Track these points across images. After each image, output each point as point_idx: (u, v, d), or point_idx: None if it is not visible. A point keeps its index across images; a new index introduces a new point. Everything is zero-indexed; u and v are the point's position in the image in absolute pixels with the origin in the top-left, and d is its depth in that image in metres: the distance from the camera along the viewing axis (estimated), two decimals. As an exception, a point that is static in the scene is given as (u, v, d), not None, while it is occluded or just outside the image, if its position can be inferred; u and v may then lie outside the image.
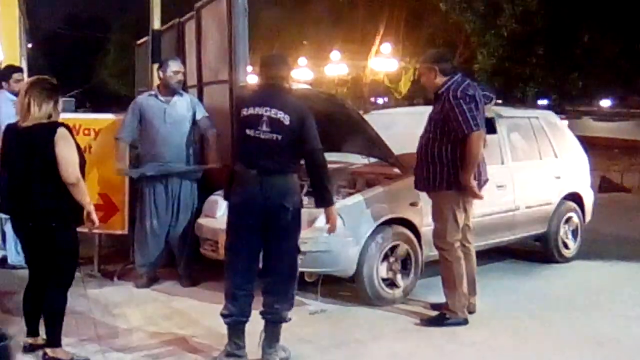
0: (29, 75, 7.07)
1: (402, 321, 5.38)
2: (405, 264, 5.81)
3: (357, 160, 6.49)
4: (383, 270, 5.69)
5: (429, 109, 5.47)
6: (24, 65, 10.48)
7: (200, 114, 6.25)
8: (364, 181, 6.15)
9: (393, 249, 5.73)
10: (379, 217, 5.65)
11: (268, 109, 4.35)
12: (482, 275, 5.74)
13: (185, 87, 6.77)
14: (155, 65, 6.89)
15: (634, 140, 23.55)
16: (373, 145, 6.01)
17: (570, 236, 7.30)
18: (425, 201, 5.61)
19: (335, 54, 30.35)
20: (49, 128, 4.25)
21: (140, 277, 6.26)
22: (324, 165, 4.44)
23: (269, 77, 4.51)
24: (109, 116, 6.74)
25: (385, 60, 28.66)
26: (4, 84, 6.64)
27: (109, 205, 6.35)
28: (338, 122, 5.81)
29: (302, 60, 31.20)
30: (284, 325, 4.50)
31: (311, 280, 5.67)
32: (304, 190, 5.31)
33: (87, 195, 4.34)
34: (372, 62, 29.51)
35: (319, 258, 5.37)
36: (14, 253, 6.44)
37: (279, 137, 4.32)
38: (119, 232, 6.51)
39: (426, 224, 5.74)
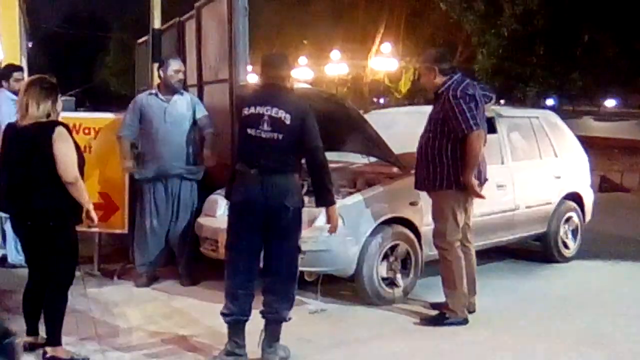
0: (29, 75, 7.09)
1: (402, 321, 5.38)
2: (405, 264, 5.81)
3: (357, 159, 6.49)
4: (383, 270, 5.69)
5: (429, 108, 5.47)
6: (24, 65, 10.49)
7: (200, 113, 6.25)
8: (364, 180, 6.16)
9: (393, 248, 5.73)
10: (379, 217, 5.65)
11: (269, 108, 4.35)
12: (482, 275, 5.74)
13: (185, 86, 6.77)
14: (156, 65, 6.88)
15: (633, 140, 23.53)
16: (373, 144, 6.01)
17: (570, 236, 7.30)
18: (425, 201, 5.62)
19: (335, 54, 30.36)
20: (47, 127, 4.25)
21: (140, 276, 6.25)
22: (325, 164, 4.44)
23: (270, 77, 4.51)
24: (109, 115, 6.74)
25: (385, 59, 28.67)
26: (4, 83, 6.64)
27: (109, 204, 6.35)
28: (338, 121, 5.82)
29: (303, 60, 31.22)
30: (283, 324, 4.50)
31: (311, 279, 5.67)
32: (304, 189, 5.31)
33: (85, 194, 4.34)
34: (373, 62, 29.53)
35: (318, 257, 5.37)
36: (14, 252, 6.43)
37: (280, 136, 4.32)
38: (119, 231, 6.51)
39: (426, 223, 5.75)
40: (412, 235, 5.82)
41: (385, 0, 28.11)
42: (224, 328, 4.51)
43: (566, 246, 7.27)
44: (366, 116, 6.53)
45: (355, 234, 5.53)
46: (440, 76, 5.26)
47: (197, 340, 4.89)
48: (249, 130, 4.38)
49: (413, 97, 29.11)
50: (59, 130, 4.26)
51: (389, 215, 5.72)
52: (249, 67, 6.64)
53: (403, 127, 6.56)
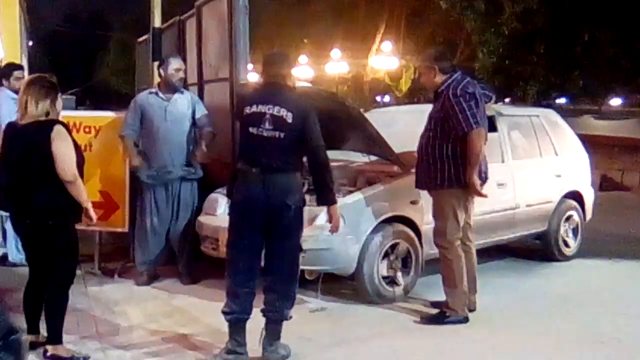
0: (30, 73, 7.08)
1: (403, 319, 5.38)
2: (406, 262, 5.82)
3: (358, 158, 6.49)
4: (383, 268, 5.69)
5: (429, 107, 5.47)
6: (25, 63, 10.48)
7: (200, 112, 6.24)
8: (365, 179, 6.16)
9: (393, 247, 5.73)
10: (380, 215, 5.65)
11: (271, 106, 4.35)
12: (483, 274, 5.74)
13: (185, 85, 6.77)
14: (156, 63, 6.88)
15: (634, 139, 23.51)
16: (374, 143, 6.01)
17: (570, 234, 7.30)
18: (425, 199, 5.62)
19: (335, 52, 30.33)
20: (46, 126, 4.25)
21: (140, 274, 6.26)
22: (327, 163, 4.44)
23: (272, 75, 4.51)
24: (110, 114, 6.75)
25: (385, 58, 28.64)
26: (4, 81, 6.64)
27: (110, 202, 6.36)
28: (339, 120, 5.81)
29: (303, 58, 31.18)
30: (284, 323, 4.50)
31: (311, 278, 5.68)
32: (305, 188, 5.31)
33: (84, 193, 4.34)
34: (373, 60, 29.50)
35: (319, 256, 5.38)
36: (14, 251, 6.44)
37: (282, 134, 4.32)
38: (119, 229, 6.51)
39: (427, 222, 5.75)
40: (412, 234, 5.82)
41: (385, -1, 28.12)
42: (224, 326, 4.52)
43: (567, 245, 7.27)
44: (366, 115, 6.53)
45: (356, 233, 5.53)
46: (440, 75, 5.26)
47: (197, 339, 4.89)
48: (250, 129, 4.38)
49: (413, 96, 29.09)
50: (58, 129, 4.26)
51: (390, 214, 5.72)
52: (250, 66, 6.64)
53: (403, 126, 6.56)
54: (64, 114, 6.18)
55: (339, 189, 5.86)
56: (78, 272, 4.93)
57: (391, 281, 5.75)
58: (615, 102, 37.57)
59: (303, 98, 4.57)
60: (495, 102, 6.86)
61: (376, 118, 6.49)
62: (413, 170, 5.57)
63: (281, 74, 4.50)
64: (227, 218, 4.68)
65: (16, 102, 4.59)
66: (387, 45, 28.38)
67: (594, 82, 21.71)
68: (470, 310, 5.37)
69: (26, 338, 4.49)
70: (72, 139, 4.38)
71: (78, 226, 4.52)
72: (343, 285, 5.94)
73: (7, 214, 4.88)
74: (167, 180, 6.11)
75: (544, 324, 5.28)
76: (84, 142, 6.27)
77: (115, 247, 7.09)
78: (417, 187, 5.49)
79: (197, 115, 6.21)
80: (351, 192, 5.83)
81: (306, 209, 4.58)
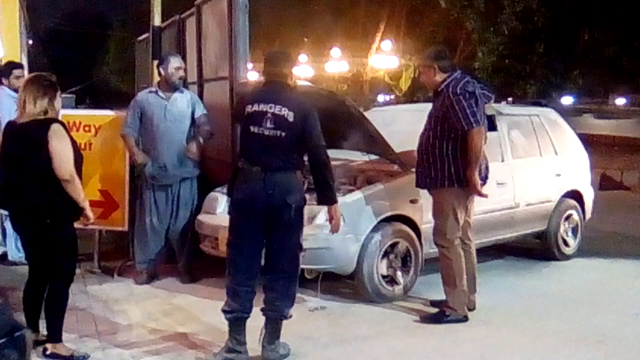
0: (30, 72, 7.07)
1: (402, 318, 5.38)
2: (405, 261, 5.82)
3: (358, 157, 6.49)
4: (383, 268, 5.69)
5: (429, 106, 5.47)
6: (24, 62, 10.47)
7: (200, 111, 6.24)
8: (364, 178, 6.16)
9: (393, 246, 5.73)
10: (379, 214, 5.65)
11: (272, 105, 4.35)
12: (482, 273, 5.74)
13: (185, 83, 6.77)
14: (156, 62, 6.88)
15: (634, 138, 23.51)
16: (373, 142, 6.01)
17: (570, 234, 7.30)
18: (425, 198, 5.62)
19: (335, 51, 30.34)
20: (44, 124, 4.25)
21: (140, 273, 6.26)
22: (328, 162, 4.44)
23: (273, 74, 4.51)
24: (109, 113, 6.75)
25: (385, 57, 28.65)
26: (4, 80, 6.64)
27: (110, 201, 6.36)
28: (338, 119, 5.81)
29: (303, 57, 31.16)
30: (284, 321, 4.50)
31: (311, 277, 5.68)
32: (304, 187, 5.31)
33: (81, 192, 4.33)
34: (373, 59, 29.49)
35: (319, 255, 5.37)
36: (14, 249, 6.44)
37: (283, 134, 4.32)
38: (119, 228, 6.52)
39: (426, 221, 5.75)
40: (412, 233, 5.82)
41: (385, -2, 28.11)
42: (224, 325, 4.52)
43: (566, 244, 7.26)
44: (366, 114, 6.53)
45: (356, 232, 5.53)
46: (440, 74, 5.26)
47: (197, 338, 4.90)
48: (252, 128, 4.38)
49: (413, 95, 29.10)
50: (55, 127, 4.26)
51: (389, 213, 5.72)
52: (249, 65, 6.64)
53: (403, 125, 6.56)
54: (64, 113, 6.21)
55: (339, 187, 5.86)
56: (78, 270, 4.95)
57: (391, 280, 5.75)
58: (620, 101, 37.65)
59: (304, 97, 4.57)
60: (498, 102, 6.86)
61: (376, 117, 6.49)
62: (413, 170, 5.57)
63: (283, 73, 4.50)
64: (226, 217, 4.68)
65: (16, 101, 4.59)
66: (387, 44, 28.39)
67: (593, 82, 21.72)
68: (470, 310, 5.37)
69: (30, 335, 4.50)
70: (71, 138, 4.38)
71: (77, 225, 4.52)
72: (343, 284, 5.95)
73: (7, 212, 4.88)
74: (165, 182, 6.10)
75: (544, 323, 5.28)
76: (83, 141, 6.30)
77: (115, 246, 7.10)
78: (418, 186, 5.49)
79: (197, 115, 6.21)
80: (351, 191, 5.83)
81: (306, 207, 4.58)
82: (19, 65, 7.10)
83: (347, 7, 29.51)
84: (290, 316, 4.51)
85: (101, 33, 43.51)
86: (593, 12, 18.91)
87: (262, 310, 4.46)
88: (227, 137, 6.25)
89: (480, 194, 5.22)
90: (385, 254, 5.70)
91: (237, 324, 4.43)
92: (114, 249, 7.04)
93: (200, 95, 7.02)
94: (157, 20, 8.77)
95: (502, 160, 6.63)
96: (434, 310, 5.41)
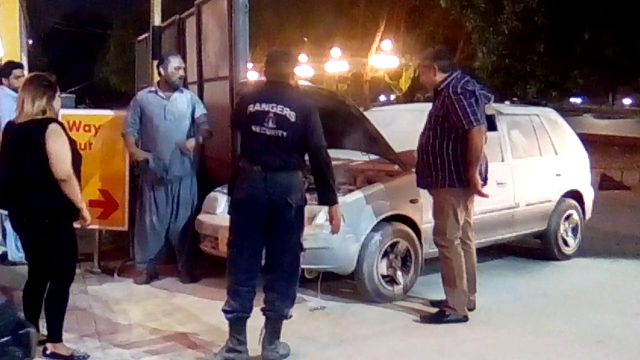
0: (29, 72, 7.07)
1: (402, 318, 5.38)
2: (405, 261, 5.82)
3: (358, 157, 6.49)
4: (383, 267, 5.69)
5: (429, 105, 5.47)
6: (24, 62, 10.48)
7: (199, 111, 6.24)
8: (364, 178, 6.16)
9: (393, 246, 5.73)
10: (379, 214, 5.65)
11: (274, 105, 4.35)
12: (482, 273, 5.74)
13: (185, 83, 6.77)
14: (156, 62, 6.87)
15: (634, 138, 23.52)
16: (373, 142, 6.01)
17: (570, 234, 7.30)
18: (425, 198, 5.62)
19: (335, 51, 30.34)
20: (41, 124, 4.25)
21: (140, 273, 6.26)
22: (329, 163, 4.45)
23: (275, 74, 4.51)
24: (109, 112, 6.75)
25: (385, 57, 28.64)
26: (4, 80, 6.64)
27: (109, 201, 6.36)
28: (338, 118, 5.81)
29: (303, 57, 31.15)
30: (284, 321, 4.50)
31: (311, 277, 5.68)
32: (305, 187, 5.31)
33: (78, 193, 4.31)
34: (373, 59, 29.49)
35: (319, 255, 5.37)
36: (14, 249, 6.44)
37: (285, 133, 4.32)
38: (119, 228, 6.52)
39: (426, 221, 5.75)
40: (412, 233, 5.82)
41: (385, -2, 28.10)
42: (224, 325, 4.52)
43: (566, 244, 7.26)
44: (366, 113, 6.53)
45: (356, 232, 5.53)
46: (440, 73, 5.26)
47: (197, 337, 4.90)
48: (253, 127, 4.38)
49: (413, 95, 29.11)
50: (52, 127, 4.25)
51: (389, 213, 5.72)
52: (249, 65, 6.64)
53: (403, 125, 6.56)
54: (64, 113, 6.22)
55: (339, 187, 5.86)
56: (78, 270, 4.94)
57: (391, 280, 5.75)
58: (626, 101, 37.69)
59: (306, 97, 4.57)
60: (502, 102, 6.85)
61: (376, 117, 6.49)
62: (413, 170, 5.57)
63: (284, 73, 4.50)
64: (226, 217, 4.68)
65: (16, 101, 4.59)
66: (387, 44, 28.38)
67: (593, 82, 21.73)
68: (470, 310, 5.37)
69: (35, 333, 4.50)
70: (69, 138, 4.37)
71: (76, 224, 4.52)
72: (343, 284, 5.94)
73: (7, 212, 4.88)
74: (165, 177, 6.10)
75: (544, 323, 5.28)
76: (83, 140, 6.30)
77: (115, 246, 7.10)
78: (419, 186, 5.49)
79: (197, 114, 6.21)
80: (351, 190, 5.83)
81: (306, 207, 4.58)
82: (19, 65, 7.11)
83: (347, 7, 29.50)
84: (291, 316, 4.51)
85: (101, 33, 43.50)
86: (593, 12, 18.89)
87: (262, 310, 4.46)
88: (227, 137, 6.24)
89: (481, 194, 5.22)
90: (385, 254, 5.70)
91: (237, 323, 4.43)
92: (114, 249, 7.05)
93: (200, 95, 7.02)
94: (157, 20, 8.76)
95: (502, 160, 6.63)
96: (434, 310, 5.41)
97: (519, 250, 7.38)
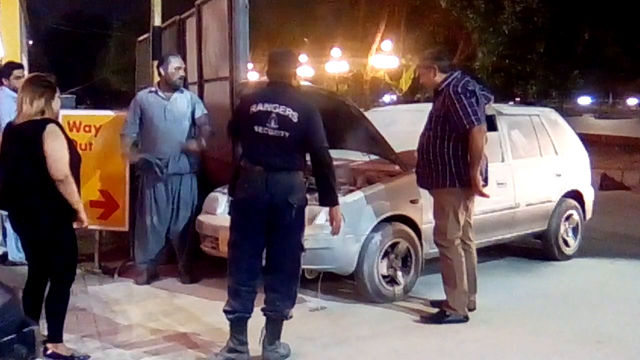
0: (30, 72, 7.08)
1: (403, 318, 5.38)
2: (406, 261, 5.82)
3: (358, 157, 6.49)
4: (383, 268, 5.69)
5: (429, 106, 5.47)
6: (25, 62, 10.49)
7: (200, 111, 6.24)
8: (365, 178, 6.16)
9: (393, 246, 5.73)
10: (380, 214, 5.65)
11: (277, 105, 4.36)
12: (483, 273, 5.74)
13: (185, 84, 6.77)
14: (156, 62, 6.88)
15: (634, 138, 23.53)
16: (374, 142, 6.01)
17: (570, 234, 7.30)
18: (425, 198, 5.62)
19: (335, 51, 30.33)
20: (39, 125, 4.24)
21: (140, 273, 6.26)
22: (330, 164, 4.45)
23: (277, 74, 4.51)
24: (110, 113, 6.76)
25: (386, 57, 28.65)
26: (4, 80, 6.65)
27: (110, 201, 6.37)
28: (339, 119, 5.81)
29: (303, 57, 31.16)
30: (284, 322, 4.50)
31: (311, 277, 5.68)
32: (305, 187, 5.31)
33: (75, 194, 4.29)
34: (373, 59, 29.49)
35: (319, 255, 5.37)
36: (14, 250, 6.44)
37: (287, 134, 4.33)
38: (119, 228, 6.52)
39: (426, 221, 5.75)
40: (412, 233, 5.82)
41: (385, -2, 28.11)
42: (224, 325, 4.52)
43: (567, 244, 7.26)
44: (367, 114, 6.53)
45: (356, 232, 5.53)
46: (440, 74, 5.26)
47: (197, 338, 4.90)
48: (256, 128, 4.38)
49: (414, 95, 29.11)
50: (50, 128, 4.24)
51: (390, 213, 5.72)
52: (250, 65, 6.64)
53: (403, 125, 6.56)
54: (64, 113, 6.22)
55: (339, 188, 5.86)
56: (78, 271, 4.94)
57: (391, 280, 5.75)
58: (632, 101, 37.65)
59: (307, 98, 4.57)
60: (505, 102, 6.85)
61: (376, 117, 6.49)
62: (413, 170, 5.57)
63: (287, 73, 4.51)
64: (227, 217, 4.68)
65: (16, 101, 4.59)
66: (387, 44, 28.39)
67: (594, 82, 21.73)
68: (470, 310, 5.37)
69: (39, 331, 4.50)
70: (68, 138, 4.36)
71: (75, 225, 4.51)
72: (343, 285, 5.95)
73: (7, 212, 4.89)
74: (165, 181, 6.10)
75: (544, 324, 5.27)
76: (84, 141, 6.31)
77: (115, 246, 7.10)
78: (419, 186, 5.49)
79: (197, 115, 6.21)
80: (351, 191, 5.83)
81: (307, 208, 4.58)
82: (19, 66, 7.11)
83: (347, 8, 29.52)
84: (291, 316, 4.51)
85: (101, 33, 43.50)
86: (593, 12, 18.90)
87: (262, 310, 4.46)
88: (227, 138, 6.24)
89: (482, 194, 5.22)
90: (386, 254, 5.70)
91: (238, 324, 4.43)
92: (114, 249, 7.05)
93: (201, 96, 7.03)
94: (157, 21, 8.77)
95: (503, 161, 6.63)
96: (435, 310, 5.41)
97: (519, 250, 7.38)
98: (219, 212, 6.01)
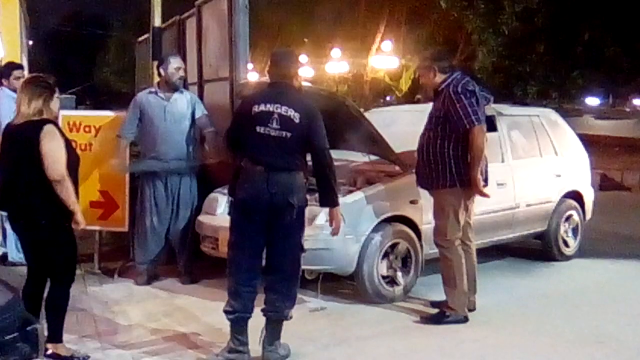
0: (30, 73, 7.08)
1: (403, 319, 5.38)
2: (406, 262, 5.82)
3: (358, 157, 6.49)
4: (383, 268, 5.69)
5: (429, 106, 5.48)
6: (25, 63, 10.47)
7: (200, 112, 6.24)
8: (365, 179, 6.16)
9: (393, 246, 5.73)
10: (380, 215, 5.66)
11: (279, 106, 4.36)
12: (483, 273, 5.74)
13: (186, 84, 6.77)
14: (156, 63, 6.88)
15: (634, 139, 23.54)
16: (374, 142, 6.01)
17: (570, 234, 7.30)
18: (425, 199, 5.62)
19: (335, 52, 30.32)
20: (37, 125, 4.24)
21: (140, 274, 6.26)
22: (332, 165, 4.46)
23: (279, 75, 4.51)
24: (110, 113, 6.75)
25: (386, 58, 28.64)
26: (4, 81, 6.65)
27: (110, 202, 6.37)
28: (339, 119, 5.81)
29: (303, 58, 31.13)
30: (284, 322, 4.50)
31: (311, 277, 5.68)
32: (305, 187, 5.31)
33: (72, 195, 4.26)
34: (373, 60, 29.49)
35: (319, 255, 5.37)
36: (14, 250, 6.44)
37: (289, 134, 4.33)
38: (119, 229, 6.52)
39: (426, 221, 5.75)
40: (412, 234, 5.82)
41: (385, -1, 28.11)
42: (224, 325, 4.52)
43: (566, 244, 7.27)
44: (366, 114, 6.53)
45: (356, 232, 5.53)
46: (440, 75, 5.26)
47: (197, 338, 4.90)
48: (258, 128, 4.37)
49: (414, 96, 29.11)
50: (47, 128, 4.24)
51: (390, 214, 5.72)
52: (250, 65, 6.64)
53: (403, 125, 6.56)
54: (64, 114, 6.23)
55: (339, 188, 5.86)
56: (78, 271, 4.94)
57: (391, 281, 5.75)
58: (638, 102, 37.53)
59: (309, 99, 4.58)
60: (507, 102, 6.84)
61: (376, 118, 6.50)
62: (413, 170, 5.57)
63: (289, 74, 4.51)
64: (226, 218, 4.67)
65: (15, 102, 4.59)
66: (387, 45, 28.38)
67: (594, 82, 21.72)
68: (470, 310, 5.37)
69: (42, 329, 4.50)
70: (66, 139, 4.36)
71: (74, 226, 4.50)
72: (343, 285, 5.95)
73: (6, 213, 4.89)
74: (165, 182, 6.10)
75: (544, 324, 5.28)
76: (83, 141, 6.31)
77: (115, 247, 7.10)
78: (419, 186, 5.49)
79: (197, 115, 6.21)
80: (351, 191, 5.83)
81: (307, 208, 4.58)
82: (19, 66, 7.11)
83: (347, 8, 29.50)
84: (291, 317, 4.51)
85: (102, 34, 43.48)
86: (593, 13, 18.90)
87: (262, 311, 4.46)
88: (225, 148, 6.23)
89: (483, 194, 5.22)
90: (386, 255, 5.70)
91: (239, 324, 4.43)
92: (114, 250, 7.05)
93: (201, 96, 7.03)
94: (157, 21, 8.77)
95: (502, 161, 6.63)
96: (434, 310, 5.41)
97: (519, 251, 7.38)
98: (218, 212, 6.02)
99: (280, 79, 4.51)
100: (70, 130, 6.24)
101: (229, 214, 4.66)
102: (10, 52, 9.52)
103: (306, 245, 4.62)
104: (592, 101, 35.11)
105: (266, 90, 4.58)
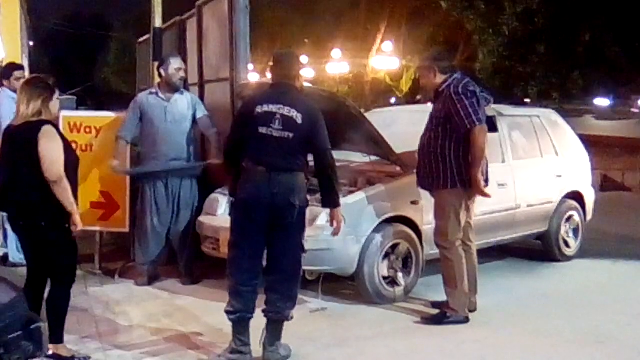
0: (30, 73, 7.09)
1: (403, 319, 5.38)
2: (406, 263, 5.82)
3: (359, 158, 6.49)
4: (384, 269, 5.69)
5: (430, 107, 5.48)
6: (25, 64, 10.50)
7: (201, 112, 6.25)
8: (365, 179, 6.16)
9: (394, 247, 5.73)
10: (380, 216, 5.66)
11: (281, 107, 4.36)
12: (483, 274, 5.74)
13: (186, 85, 6.77)
14: (157, 63, 6.88)
15: (635, 139, 23.51)
16: (374, 143, 6.01)
17: (571, 235, 7.30)
18: (426, 199, 5.62)
19: (336, 52, 30.36)
20: (35, 126, 4.24)
21: (141, 274, 6.26)
22: (333, 166, 4.46)
23: (281, 75, 4.52)
24: (110, 114, 6.75)
25: (386, 58, 28.68)
26: (5, 82, 6.66)
27: (110, 203, 6.37)
28: (339, 120, 5.81)
29: (304, 59, 31.12)
30: (285, 323, 4.50)
31: (312, 278, 5.68)
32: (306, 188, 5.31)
33: (70, 196, 4.24)
34: (374, 61, 29.52)
35: (319, 256, 5.37)
36: (15, 251, 6.45)
37: (291, 135, 4.33)
38: (120, 229, 6.52)
39: (427, 222, 5.75)
40: (413, 234, 5.82)
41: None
42: (225, 326, 4.52)
43: (567, 245, 7.26)
44: (367, 115, 6.53)
45: (357, 233, 5.53)
46: (441, 75, 5.27)
47: (198, 339, 4.90)
48: (260, 129, 4.38)
49: (414, 96, 29.12)
50: (46, 129, 4.24)
51: (390, 214, 5.72)
52: (250, 66, 6.64)
53: (404, 126, 6.57)
54: (65, 114, 6.23)
55: (340, 189, 5.86)
56: (79, 272, 4.94)
57: (392, 281, 5.75)
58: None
59: (311, 100, 4.58)
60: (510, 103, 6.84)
61: (376, 118, 6.50)
62: (414, 171, 5.57)
63: (291, 74, 4.52)
64: (227, 218, 4.67)
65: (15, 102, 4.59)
66: (388, 46, 28.42)
67: (594, 83, 21.72)
68: (471, 311, 5.37)
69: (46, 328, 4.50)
70: (65, 140, 4.36)
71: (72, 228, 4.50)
72: (343, 286, 5.94)
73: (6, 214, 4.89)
74: (165, 182, 6.11)
75: (545, 324, 5.28)
76: (84, 142, 6.32)
77: (115, 247, 7.11)
78: (420, 187, 5.49)
79: (198, 116, 6.22)
80: (352, 192, 5.83)
81: (308, 209, 4.59)
82: (20, 67, 7.12)
83: (348, 9, 29.53)
84: (292, 317, 4.51)
85: (102, 34, 43.51)
86: (594, 13, 18.90)
87: (263, 311, 4.46)
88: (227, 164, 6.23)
89: (484, 194, 5.22)
90: (386, 255, 5.70)
91: (240, 324, 4.43)
92: (115, 251, 7.05)
93: (201, 97, 7.02)
94: (158, 22, 8.78)
95: (503, 162, 6.63)
96: (435, 311, 5.41)
97: (520, 251, 7.38)
98: (219, 213, 6.02)
99: (282, 80, 4.52)
100: (71, 131, 6.24)
101: (230, 214, 4.65)
102: (11, 53, 9.55)
103: (307, 245, 4.62)
104: (601, 102, 35.02)
105: (269, 91, 4.58)
